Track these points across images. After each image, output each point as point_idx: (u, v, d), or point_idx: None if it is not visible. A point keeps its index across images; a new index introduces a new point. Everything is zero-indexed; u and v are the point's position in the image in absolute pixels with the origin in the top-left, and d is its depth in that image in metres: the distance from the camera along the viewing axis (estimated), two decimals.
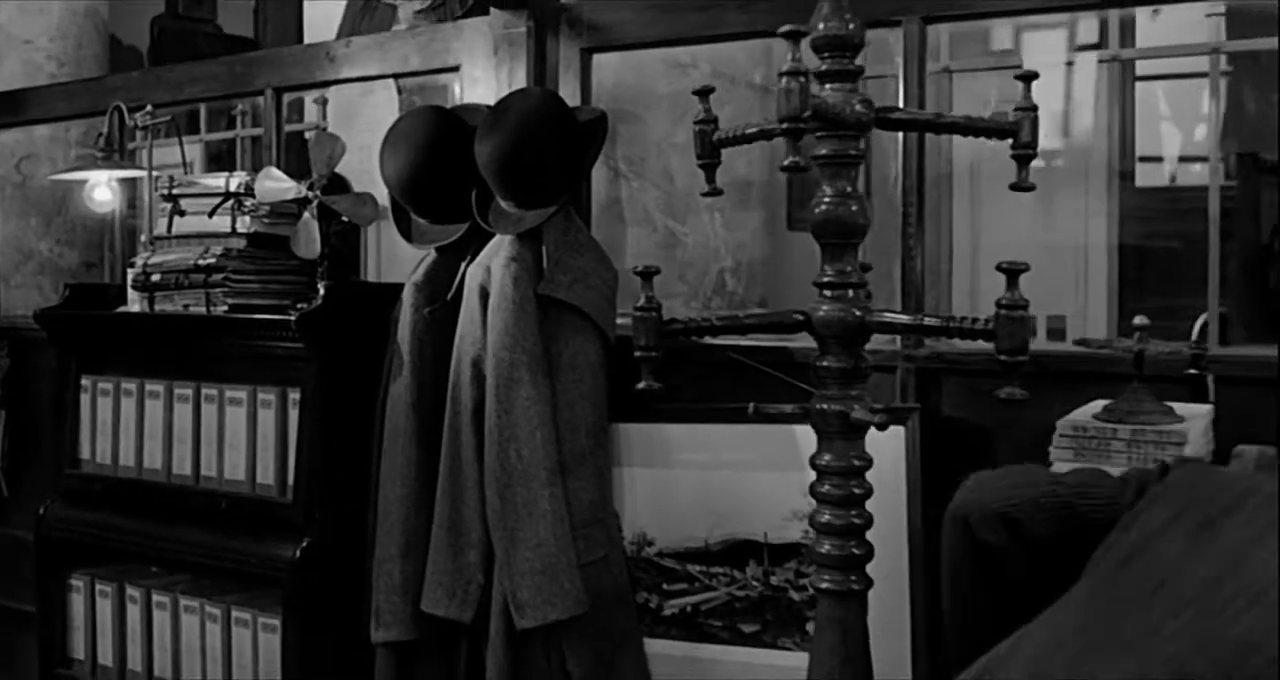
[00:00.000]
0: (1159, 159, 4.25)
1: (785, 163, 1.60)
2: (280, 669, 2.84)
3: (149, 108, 3.23)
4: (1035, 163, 1.93)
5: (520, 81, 2.78)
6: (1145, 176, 4.24)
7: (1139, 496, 1.65)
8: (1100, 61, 3.49)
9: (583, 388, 2.52)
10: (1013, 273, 1.65)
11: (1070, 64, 3.48)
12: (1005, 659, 1.48)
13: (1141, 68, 3.86)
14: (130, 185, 3.76)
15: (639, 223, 3.00)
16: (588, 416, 2.53)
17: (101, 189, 3.46)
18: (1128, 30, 3.48)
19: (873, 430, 1.92)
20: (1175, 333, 3.12)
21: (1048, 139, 3.48)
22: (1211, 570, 1.46)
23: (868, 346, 2.12)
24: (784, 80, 1.56)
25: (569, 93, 2.76)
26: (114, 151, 3.34)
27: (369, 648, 2.70)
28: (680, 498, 2.56)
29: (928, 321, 1.78)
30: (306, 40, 5.23)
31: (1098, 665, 1.40)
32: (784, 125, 1.57)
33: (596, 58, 2.82)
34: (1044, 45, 3.52)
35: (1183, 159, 4.24)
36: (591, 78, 2.80)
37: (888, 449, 2.29)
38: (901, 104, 2.38)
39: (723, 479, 2.51)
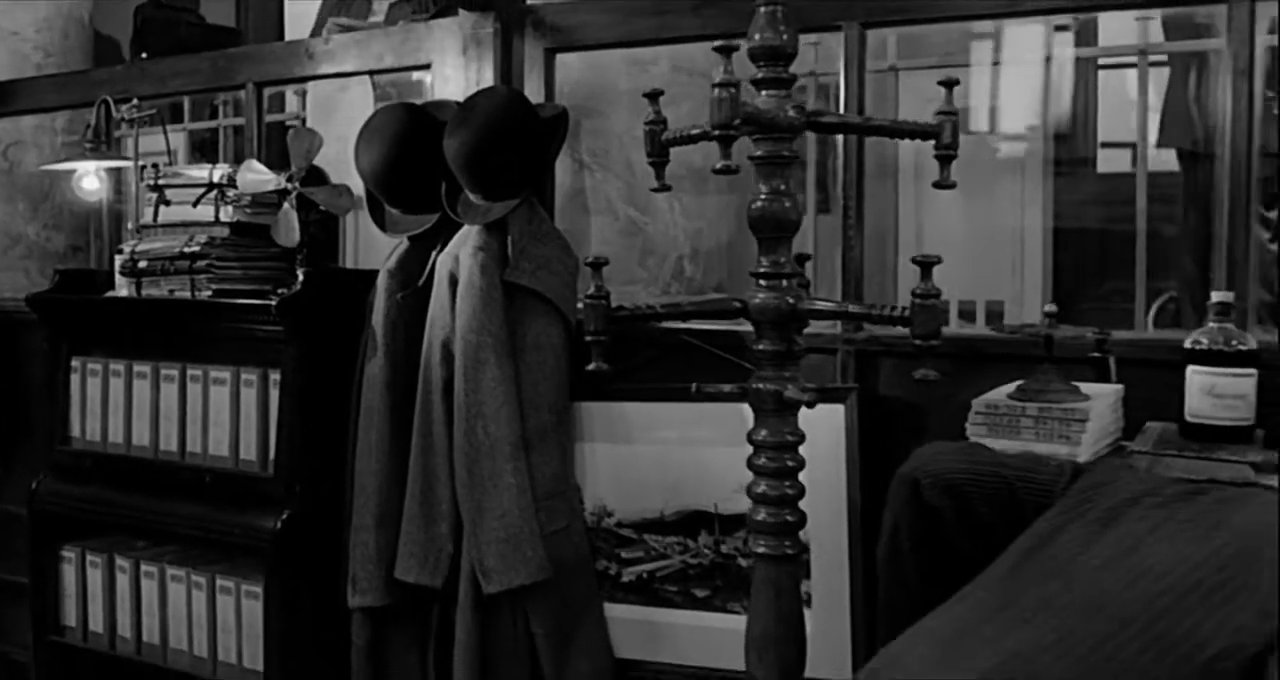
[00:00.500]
0: (1129, 145, 4.40)
1: (717, 166, 1.76)
2: (262, 634, 2.97)
3: (135, 101, 3.36)
4: (990, 152, 2.08)
5: (488, 79, 2.93)
6: (1112, 163, 4.39)
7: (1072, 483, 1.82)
8: (1048, 58, 3.63)
9: (545, 368, 2.68)
10: (925, 265, 1.81)
11: (1013, 64, 3.63)
12: (899, 656, 1.62)
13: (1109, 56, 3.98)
14: (117, 174, 3.89)
15: (602, 212, 3.15)
16: (550, 395, 2.69)
17: (90, 178, 3.59)
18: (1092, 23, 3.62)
19: (817, 408, 2.08)
20: (1123, 314, 3.30)
21: (1003, 127, 3.64)
22: (1107, 554, 1.64)
23: (810, 330, 2.29)
24: (716, 90, 1.73)
25: (533, 90, 2.91)
26: (101, 143, 3.46)
27: (346, 613, 2.85)
28: (638, 472, 2.72)
29: (852, 309, 1.95)
30: (287, 29, 5.34)
31: (996, 635, 1.56)
32: (716, 132, 1.74)
33: (560, 56, 2.97)
34: (1016, 38, 3.64)
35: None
36: (555, 76, 2.94)
37: (829, 425, 2.45)
38: (843, 104, 2.55)
39: (677, 454, 2.67)
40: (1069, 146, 3.97)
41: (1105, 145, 4.38)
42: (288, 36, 4.59)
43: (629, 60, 3.10)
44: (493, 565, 2.61)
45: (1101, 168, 4.33)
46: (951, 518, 1.99)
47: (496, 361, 2.63)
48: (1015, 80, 3.59)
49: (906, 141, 2.92)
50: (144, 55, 4.83)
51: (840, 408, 2.47)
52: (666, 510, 2.69)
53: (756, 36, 1.96)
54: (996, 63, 3.49)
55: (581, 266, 2.76)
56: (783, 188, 1.98)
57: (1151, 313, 3.89)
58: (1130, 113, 4.21)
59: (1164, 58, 3.45)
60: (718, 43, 1.76)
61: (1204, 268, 3.70)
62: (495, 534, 2.61)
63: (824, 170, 3.39)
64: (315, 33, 3.76)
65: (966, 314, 3.10)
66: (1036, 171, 3.07)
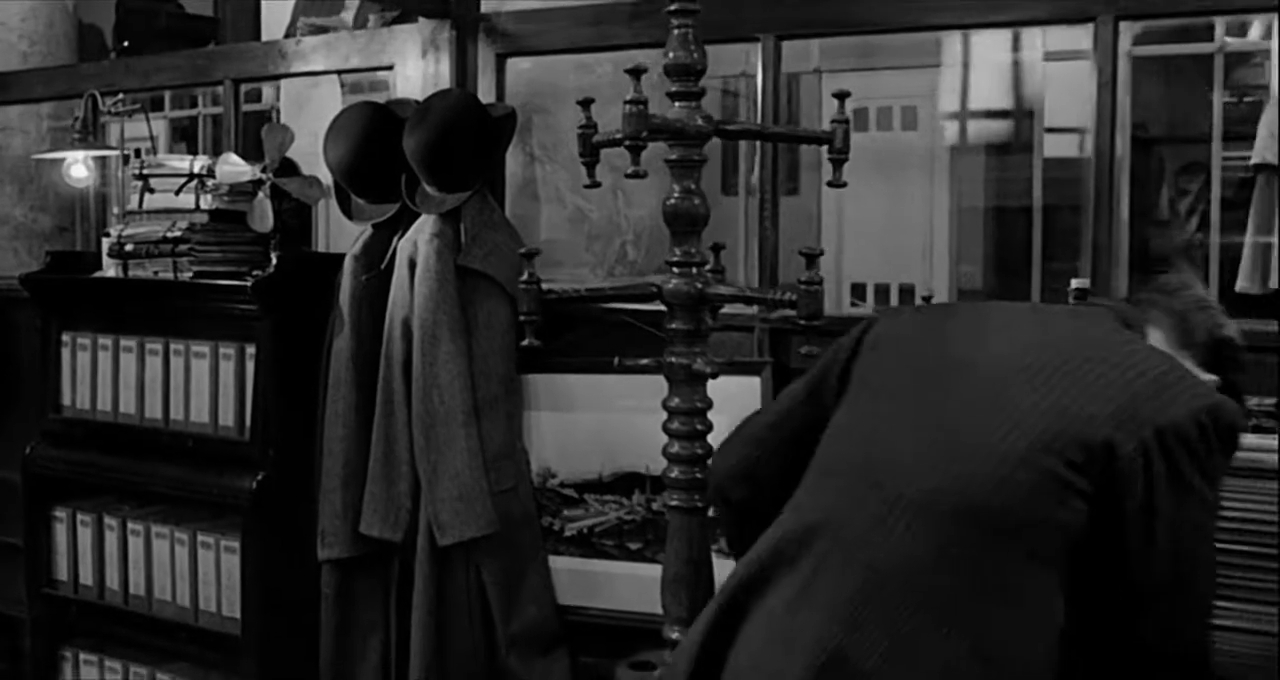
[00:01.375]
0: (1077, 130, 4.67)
1: (628, 171, 2.06)
2: (240, 585, 3.23)
3: (120, 96, 3.64)
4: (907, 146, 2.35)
5: (445, 80, 3.21)
6: (1060, 147, 4.67)
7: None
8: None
9: (495, 344, 2.97)
10: (810, 256, 2.11)
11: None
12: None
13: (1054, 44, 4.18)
14: (102, 161, 4.14)
15: (551, 200, 3.45)
16: (499, 368, 2.98)
17: (78, 166, 3.85)
18: None
19: (736, 379, 2.37)
20: (1056, 294, 3.57)
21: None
22: (957, 350, 1.73)
23: (731, 311, 2.59)
24: (626, 107, 2.02)
25: (485, 90, 3.20)
26: (89, 133, 3.74)
27: (316, 565, 3.13)
28: (578, 437, 3.02)
29: (748, 293, 2.26)
30: (264, 20, 5.57)
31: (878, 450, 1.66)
32: (627, 142, 2.03)
33: (512, 59, 3.26)
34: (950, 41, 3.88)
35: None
36: (505, 78, 3.22)
37: (746, 395, 2.75)
38: (760, 107, 2.85)
39: (614, 421, 2.96)
40: (999, 135, 4.25)
41: (1050, 130, 4.68)
42: (264, 27, 4.82)
43: (576, 62, 3.39)
44: (447, 520, 2.91)
45: (1048, 153, 4.63)
46: (757, 500, 1.96)
47: (450, 338, 2.92)
48: (949, 79, 3.88)
49: None
50: (125, 43, 5.08)
51: (756, 379, 2.78)
52: (604, 472, 2.98)
53: (670, 55, 2.25)
54: (936, 65, 3.77)
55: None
56: (693, 187, 2.27)
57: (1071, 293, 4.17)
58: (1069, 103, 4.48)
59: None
60: (629, 67, 2.05)
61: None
62: (449, 492, 2.91)
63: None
64: (290, 31, 4.02)
65: (882, 292, 3.40)
66: (944, 161, 3.36)
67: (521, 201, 3.44)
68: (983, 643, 1.48)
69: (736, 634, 1.64)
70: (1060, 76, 4.03)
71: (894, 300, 3.36)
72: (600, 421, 2.99)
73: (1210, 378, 1.71)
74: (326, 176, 3.20)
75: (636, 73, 2.05)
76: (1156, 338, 1.74)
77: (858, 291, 2.75)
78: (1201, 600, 1.61)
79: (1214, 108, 2.92)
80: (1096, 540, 1.53)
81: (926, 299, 2.45)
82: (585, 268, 3.45)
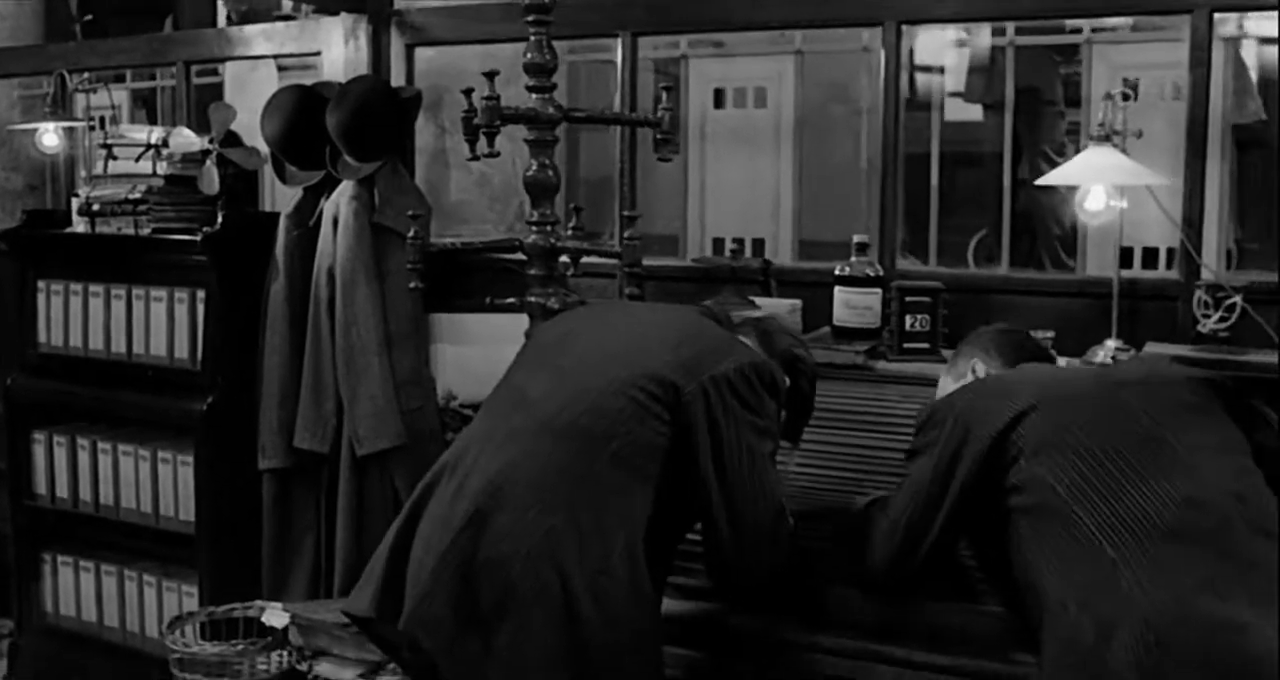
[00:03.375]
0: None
1: (482, 153, 2.65)
2: (194, 493, 3.73)
3: (86, 75, 4.18)
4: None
5: (364, 66, 3.78)
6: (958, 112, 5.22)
7: None
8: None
9: (403, 288, 3.53)
10: (631, 217, 2.71)
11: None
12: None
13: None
14: (70, 130, 4.66)
15: (459, 167, 4.01)
16: (407, 308, 3.55)
17: (49, 136, 4.36)
18: None
19: None
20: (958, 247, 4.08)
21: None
22: (579, 326, 2.39)
23: (598, 261, 3.18)
24: (481, 102, 2.62)
25: (397, 74, 3.77)
26: (59, 107, 4.28)
27: (257, 474, 3.69)
28: (475, 365, 3.53)
29: (585, 246, 2.86)
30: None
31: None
32: (484, 128, 2.63)
33: (429, 46, 3.82)
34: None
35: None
36: (414, 64, 3.79)
37: None
38: (619, 94, 3.44)
39: (504, 351, 3.49)
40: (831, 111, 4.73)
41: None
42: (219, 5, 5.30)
43: (482, 50, 3.94)
44: (364, 434, 3.50)
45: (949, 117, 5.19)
46: None
47: (366, 283, 3.51)
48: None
49: (695, 111, 3.83)
50: (89, 17, 5.55)
51: None
52: None
53: (527, 55, 2.83)
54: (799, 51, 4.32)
55: (432, 210, 3.64)
56: (546, 162, 2.86)
57: (972, 247, 4.74)
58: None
59: None
60: (485, 71, 2.64)
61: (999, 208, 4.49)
62: (366, 410, 3.50)
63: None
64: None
65: (738, 246, 3.98)
66: (789, 132, 3.93)
67: (434, 168, 4.01)
68: (574, 515, 2.02)
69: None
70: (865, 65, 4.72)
71: (748, 251, 3.95)
72: (493, 352, 3.52)
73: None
74: (264, 147, 3.74)
75: (491, 75, 2.64)
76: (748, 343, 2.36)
77: (718, 245, 3.32)
78: (758, 503, 2.14)
79: None
80: (683, 454, 2.11)
81: (736, 252, 3.06)
82: (489, 225, 4.03)
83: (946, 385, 2.45)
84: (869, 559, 2.22)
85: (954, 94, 4.87)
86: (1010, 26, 3.38)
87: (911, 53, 4.13)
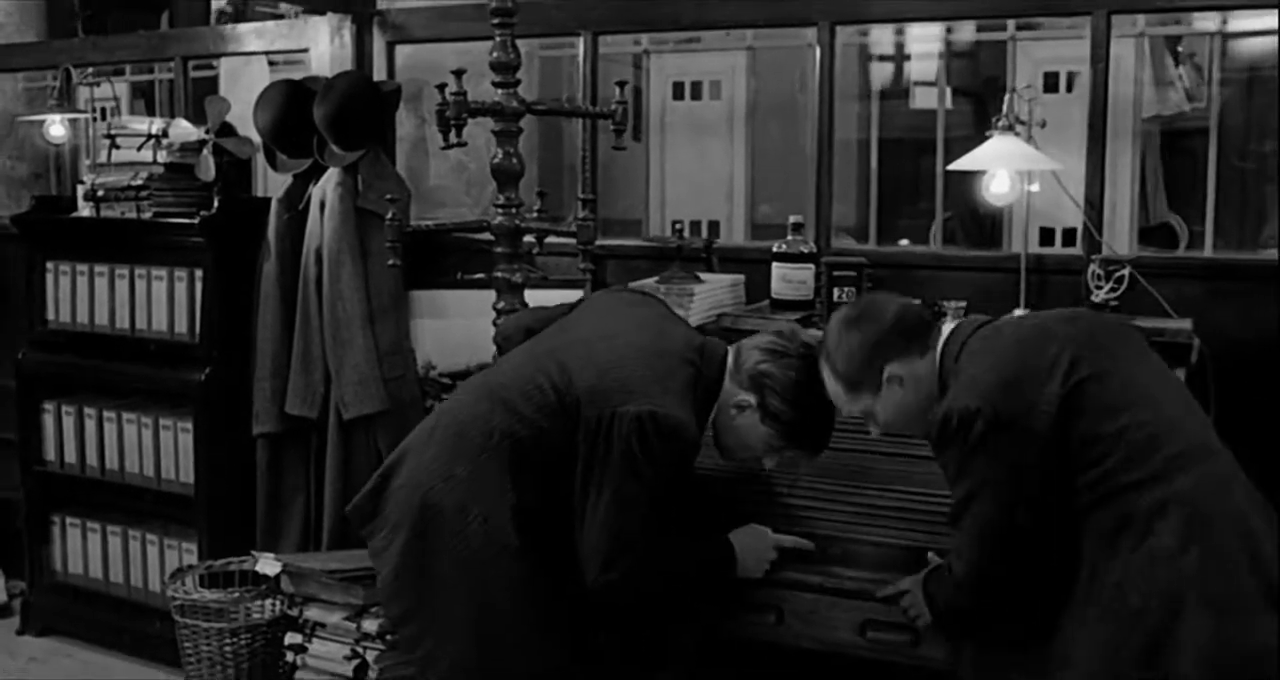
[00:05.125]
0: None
1: (450, 143, 2.96)
2: (193, 457, 4.02)
3: (89, 69, 4.48)
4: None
5: (348, 62, 4.08)
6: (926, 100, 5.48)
7: None
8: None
9: (384, 267, 3.85)
10: (587, 201, 3.02)
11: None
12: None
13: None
14: (74, 121, 4.94)
15: (437, 155, 4.30)
16: (389, 284, 3.85)
17: (56, 127, 4.67)
18: None
19: (561, 290, 3.24)
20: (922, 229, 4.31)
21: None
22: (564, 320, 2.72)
23: (564, 241, 3.48)
24: (450, 97, 2.93)
25: (379, 69, 4.08)
26: (64, 100, 4.57)
27: (252, 439, 3.98)
28: (453, 337, 3.85)
29: (546, 226, 3.17)
30: None
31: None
32: (453, 121, 2.94)
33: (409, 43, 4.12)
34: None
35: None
36: (395, 60, 4.10)
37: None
38: (581, 87, 3.74)
39: (479, 324, 3.77)
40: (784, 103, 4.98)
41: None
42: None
43: (457, 45, 4.24)
44: (349, 400, 3.80)
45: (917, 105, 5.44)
46: None
47: (351, 262, 3.81)
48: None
49: (657, 102, 4.12)
50: (89, 12, 5.80)
51: (580, 291, 3.68)
52: (471, 363, 3.78)
53: (494, 54, 3.14)
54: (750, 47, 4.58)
55: (412, 194, 3.95)
56: (511, 151, 3.17)
57: (935, 228, 5.02)
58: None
59: None
60: (453, 68, 2.95)
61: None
62: (351, 378, 3.80)
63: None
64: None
65: (695, 228, 4.29)
66: (741, 122, 4.22)
67: (415, 156, 4.32)
68: (453, 465, 2.46)
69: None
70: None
71: (704, 233, 4.26)
72: (469, 325, 3.81)
73: (748, 396, 2.49)
74: (257, 137, 4.03)
75: (459, 73, 2.96)
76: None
77: (677, 227, 3.60)
78: (594, 530, 2.37)
79: None
80: (566, 457, 2.41)
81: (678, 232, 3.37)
82: (465, 208, 4.32)
83: (865, 404, 2.38)
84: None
85: (921, 83, 5.16)
86: (938, 26, 3.67)
87: (865, 47, 4.43)
